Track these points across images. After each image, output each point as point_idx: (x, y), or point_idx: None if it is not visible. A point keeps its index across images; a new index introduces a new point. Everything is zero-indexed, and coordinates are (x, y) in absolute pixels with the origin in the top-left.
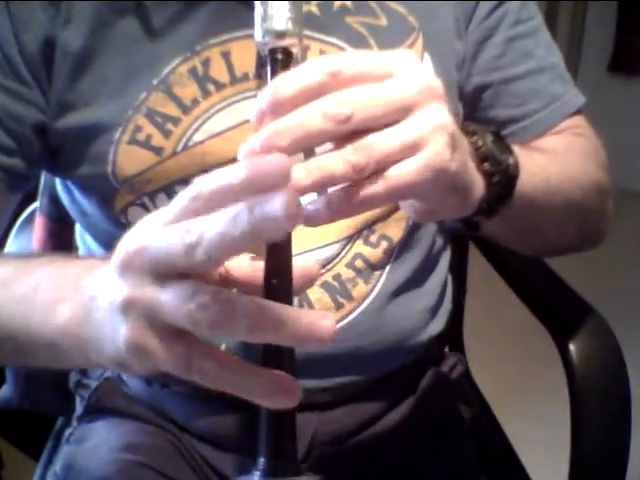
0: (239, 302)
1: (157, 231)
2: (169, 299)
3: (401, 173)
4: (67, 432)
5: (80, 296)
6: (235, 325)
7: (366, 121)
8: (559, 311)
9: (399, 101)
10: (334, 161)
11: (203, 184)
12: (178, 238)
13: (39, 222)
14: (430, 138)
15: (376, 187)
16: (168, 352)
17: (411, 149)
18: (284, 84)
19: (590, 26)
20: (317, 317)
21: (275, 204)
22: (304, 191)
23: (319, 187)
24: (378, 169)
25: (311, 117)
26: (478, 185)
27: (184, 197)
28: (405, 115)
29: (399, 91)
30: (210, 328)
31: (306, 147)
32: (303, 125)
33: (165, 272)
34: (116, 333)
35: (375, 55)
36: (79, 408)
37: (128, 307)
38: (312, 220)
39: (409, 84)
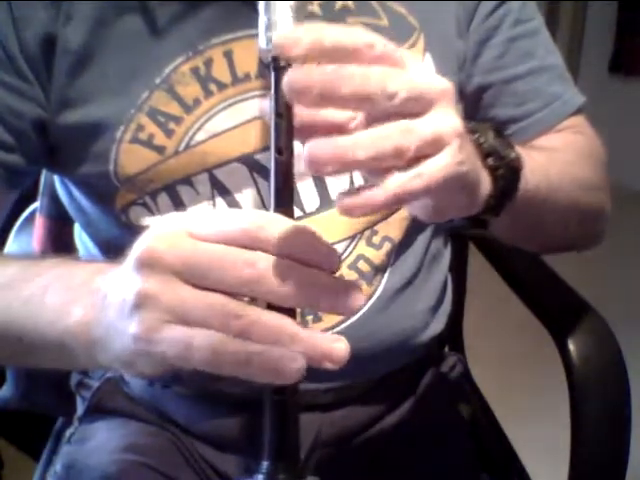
0: (266, 316)
1: (196, 245)
2: (204, 303)
3: (429, 170)
4: (68, 432)
5: (93, 297)
6: (258, 337)
7: (403, 104)
8: (559, 311)
9: (428, 91)
10: (391, 133)
11: (253, 219)
12: (237, 267)
13: (39, 222)
14: (449, 138)
15: (414, 182)
16: (183, 343)
17: (432, 145)
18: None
19: (590, 26)
20: (333, 340)
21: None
22: (357, 166)
23: (374, 163)
24: (414, 156)
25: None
26: (485, 182)
27: (227, 219)
28: (428, 108)
29: (428, 82)
30: (237, 337)
31: (360, 106)
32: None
33: (199, 283)
34: (126, 328)
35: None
36: (80, 408)
37: (144, 300)
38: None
39: (434, 79)
